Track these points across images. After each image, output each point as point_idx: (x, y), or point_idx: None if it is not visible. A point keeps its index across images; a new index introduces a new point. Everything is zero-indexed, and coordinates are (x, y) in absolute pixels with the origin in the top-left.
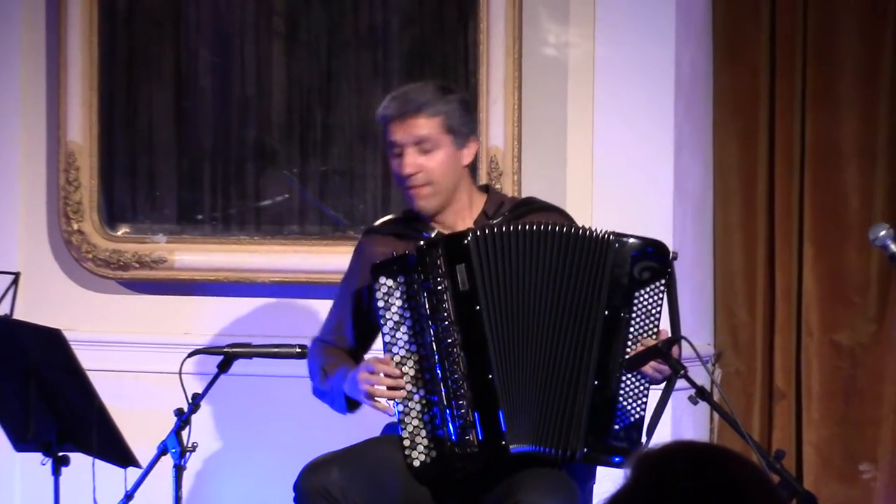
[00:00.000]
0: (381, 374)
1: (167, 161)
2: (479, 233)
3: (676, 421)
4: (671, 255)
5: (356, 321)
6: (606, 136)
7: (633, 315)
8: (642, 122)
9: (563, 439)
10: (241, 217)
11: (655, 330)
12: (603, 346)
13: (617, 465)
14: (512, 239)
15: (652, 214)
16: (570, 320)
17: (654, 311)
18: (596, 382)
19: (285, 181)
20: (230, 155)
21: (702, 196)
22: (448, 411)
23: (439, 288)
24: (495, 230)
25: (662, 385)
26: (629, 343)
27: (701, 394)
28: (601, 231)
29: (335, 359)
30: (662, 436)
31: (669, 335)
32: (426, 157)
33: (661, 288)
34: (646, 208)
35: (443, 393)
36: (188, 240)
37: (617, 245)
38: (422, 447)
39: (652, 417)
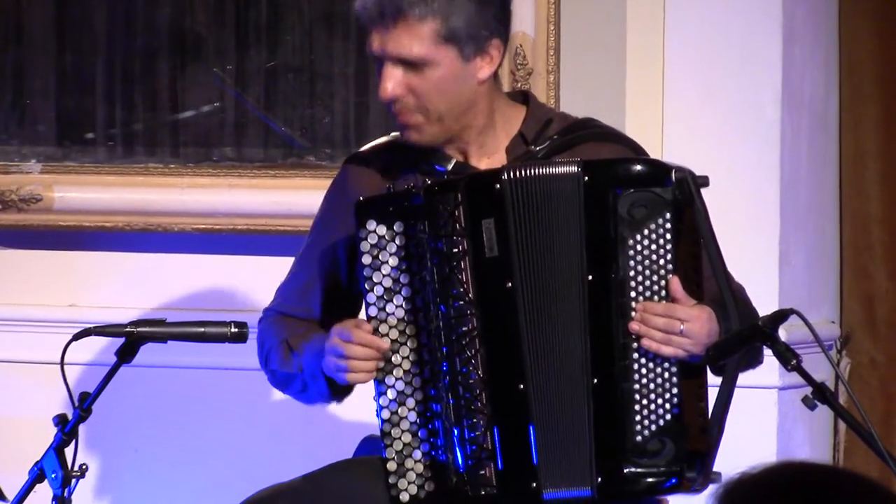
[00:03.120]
0: (358, 346)
1: (43, 55)
2: (516, 172)
3: (784, 433)
4: (674, 173)
5: (329, 290)
6: (683, 21)
7: (631, 273)
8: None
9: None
10: (151, 136)
11: (665, 286)
12: (594, 327)
13: (667, 491)
14: (560, 183)
15: (749, 134)
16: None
17: (660, 262)
18: (595, 381)
19: (215, 84)
20: (134, 46)
21: (822, 109)
22: (456, 430)
23: (455, 251)
24: (539, 171)
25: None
26: (634, 314)
27: (820, 394)
28: (568, 161)
29: (303, 329)
30: (764, 454)
31: (678, 285)
32: (417, 75)
33: (667, 226)
34: (740, 126)
35: (450, 403)
36: (73, 169)
37: (587, 178)
38: (414, 475)
39: (714, 412)
